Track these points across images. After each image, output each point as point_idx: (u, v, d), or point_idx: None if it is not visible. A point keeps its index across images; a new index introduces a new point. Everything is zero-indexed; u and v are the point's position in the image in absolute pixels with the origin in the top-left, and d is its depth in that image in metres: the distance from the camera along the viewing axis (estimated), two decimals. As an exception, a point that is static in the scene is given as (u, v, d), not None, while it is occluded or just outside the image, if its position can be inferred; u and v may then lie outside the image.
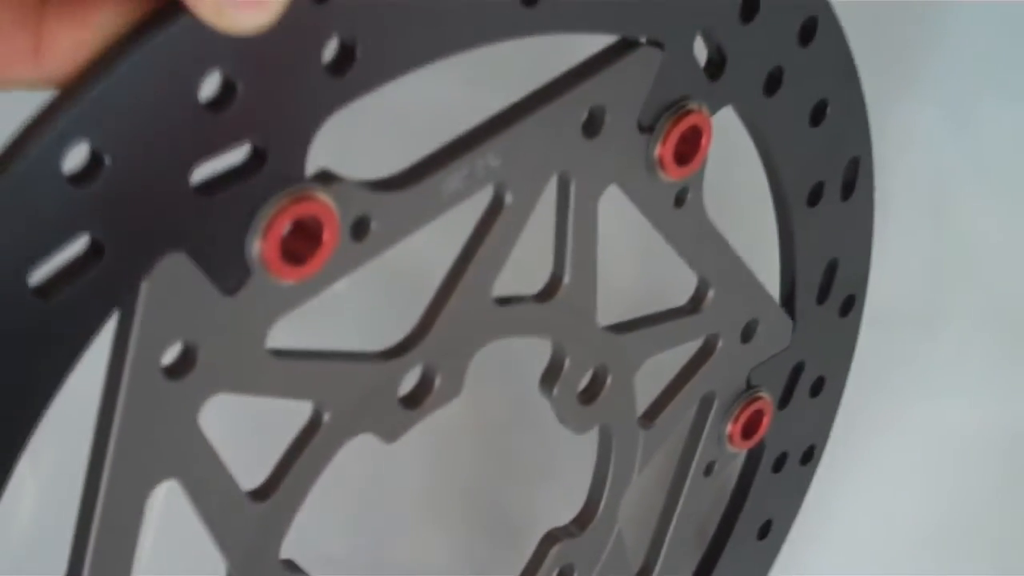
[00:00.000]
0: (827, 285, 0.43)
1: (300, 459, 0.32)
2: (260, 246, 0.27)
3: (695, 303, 0.39)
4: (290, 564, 0.33)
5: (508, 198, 0.32)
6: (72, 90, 0.24)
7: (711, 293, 0.39)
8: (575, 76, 0.32)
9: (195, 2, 0.24)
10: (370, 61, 0.28)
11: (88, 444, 0.28)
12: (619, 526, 0.41)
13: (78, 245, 0.25)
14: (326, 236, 0.28)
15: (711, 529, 0.47)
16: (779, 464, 0.46)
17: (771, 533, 0.48)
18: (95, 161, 0.25)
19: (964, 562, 0.55)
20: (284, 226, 0.28)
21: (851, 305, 0.44)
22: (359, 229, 0.29)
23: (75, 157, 0.25)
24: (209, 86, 0.26)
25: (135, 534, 0.29)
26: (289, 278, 0.28)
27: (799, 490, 0.48)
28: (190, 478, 0.29)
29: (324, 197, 0.28)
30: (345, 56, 0.27)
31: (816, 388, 0.45)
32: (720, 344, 0.40)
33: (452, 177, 0.31)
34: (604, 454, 0.40)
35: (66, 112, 0.24)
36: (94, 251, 0.26)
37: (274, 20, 0.24)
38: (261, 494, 0.31)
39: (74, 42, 0.24)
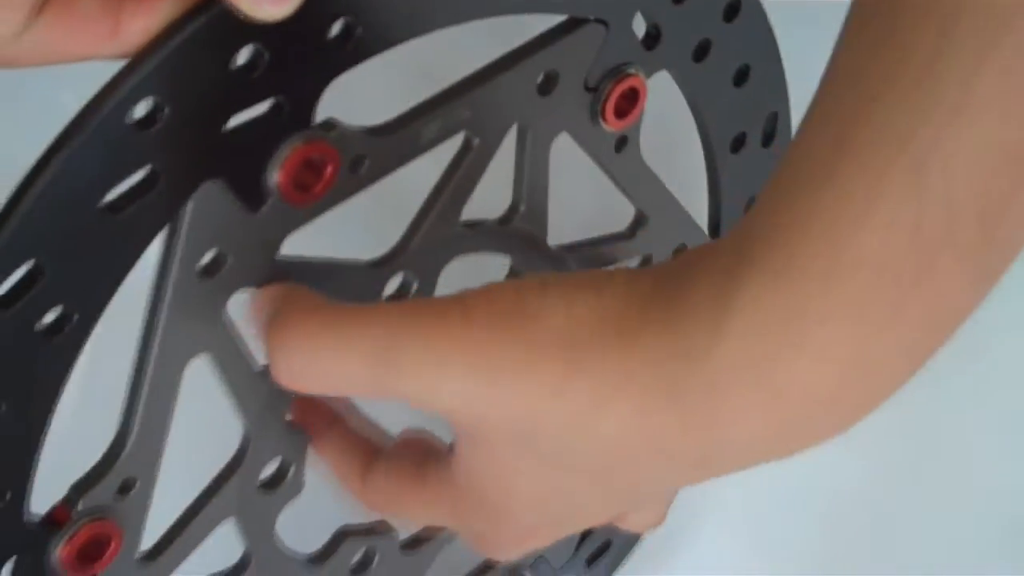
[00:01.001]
0: None
1: None
2: (277, 177, 0.36)
3: (632, 230, 0.47)
4: (295, 424, 0.42)
5: (475, 143, 0.40)
6: (140, 60, 0.32)
7: (647, 223, 0.47)
8: (533, 46, 0.40)
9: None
10: (367, 36, 0.36)
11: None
12: None
13: (140, 174, 0.34)
14: (328, 170, 0.37)
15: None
16: None
17: None
18: (155, 112, 0.33)
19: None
20: (297, 162, 0.36)
21: None
22: (355, 165, 0.37)
23: (141, 109, 0.33)
24: (243, 56, 0.34)
25: (174, 399, 0.37)
26: (299, 202, 0.36)
27: None
28: (218, 354, 0.38)
29: (328, 140, 0.36)
30: (347, 32, 0.35)
31: None
32: (654, 263, 0.49)
33: (430, 126, 0.39)
34: None
35: (137, 75, 0.32)
36: (151, 180, 0.34)
37: (294, 11, 0.32)
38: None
39: (143, 26, 0.32)
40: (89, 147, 0.32)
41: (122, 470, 0.37)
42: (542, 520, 0.35)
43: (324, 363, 0.34)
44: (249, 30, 0.33)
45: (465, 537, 0.38)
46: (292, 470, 0.42)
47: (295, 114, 0.35)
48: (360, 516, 0.46)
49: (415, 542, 0.48)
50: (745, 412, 0.30)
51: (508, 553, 0.37)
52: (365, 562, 0.46)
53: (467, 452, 0.35)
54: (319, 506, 0.44)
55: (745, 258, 0.30)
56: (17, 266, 0.32)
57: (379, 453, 0.39)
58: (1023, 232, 0.29)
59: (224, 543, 0.42)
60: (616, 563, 0.57)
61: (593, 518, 0.36)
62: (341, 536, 0.45)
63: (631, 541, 0.57)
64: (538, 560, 0.53)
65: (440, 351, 0.32)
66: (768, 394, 0.30)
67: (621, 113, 0.43)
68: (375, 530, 0.46)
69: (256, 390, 0.39)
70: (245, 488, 0.41)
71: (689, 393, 0.30)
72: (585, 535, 0.54)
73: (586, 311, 0.31)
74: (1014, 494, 0.61)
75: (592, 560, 0.55)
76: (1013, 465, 0.61)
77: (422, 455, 0.37)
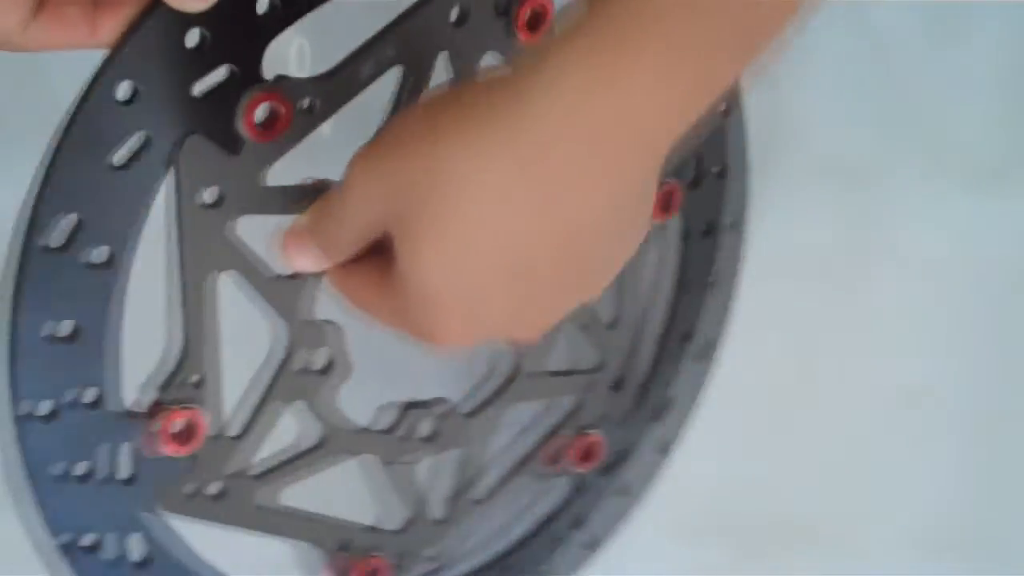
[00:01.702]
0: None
1: None
2: (243, 124, 0.47)
3: None
4: (328, 322, 0.53)
5: (410, 74, 0.51)
6: (114, 53, 0.44)
7: None
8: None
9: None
10: (288, 8, 0.47)
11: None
12: None
13: (136, 139, 0.46)
14: (283, 113, 0.48)
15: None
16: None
17: None
18: (134, 90, 0.45)
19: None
20: (255, 111, 0.47)
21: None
22: (309, 108, 0.49)
23: (121, 90, 0.45)
24: (190, 38, 0.46)
25: (215, 306, 0.49)
26: (267, 140, 0.48)
27: None
28: (240, 269, 0.50)
29: (280, 90, 0.48)
30: (272, 6, 0.47)
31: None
32: None
33: (366, 65, 0.50)
34: None
35: (112, 65, 0.44)
36: (146, 142, 0.46)
37: (209, 6, 0.44)
38: (294, 275, 0.51)
39: (111, 26, 0.44)
40: (87, 121, 0.45)
41: (192, 367, 0.50)
42: (454, 299, 0.45)
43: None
44: (192, 18, 0.45)
45: (415, 336, 0.48)
46: (336, 354, 0.53)
47: (246, 74, 0.47)
48: (424, 393, 0.57)
49: (476, 409, 0.58)
50: (568, 145, 0.40)
51: (448, 336, 0.47)
52: (433, 433, 0.57)
53: (397, 255, 0.44)
54: (386, 388, 0.56)
55: (571, 33, 0.41)
56: (60, 218, 0.45)
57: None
58: None
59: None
60: (681, 420, 0.66)
61: (493, 300, 0.45)
62: (406, 408, 0.56)
63: (692, 397, 0.66)
64: (601, 418, 0.62)
65: (357, 176, 0.45)
66: (586, 128, 0.40)
67: (533, 28, 0.53)
68: (437, 402, 0.57)
69: (281, 291, 0.51)
70: (301, 375, 0.53)
71: (522, 134, 0.41)
72: (645, 392, 0.64)
73: (470, 101, 0.43)
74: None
75: (656, 416, 0.65)
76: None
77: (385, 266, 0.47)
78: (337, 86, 0.49)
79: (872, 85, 0.72)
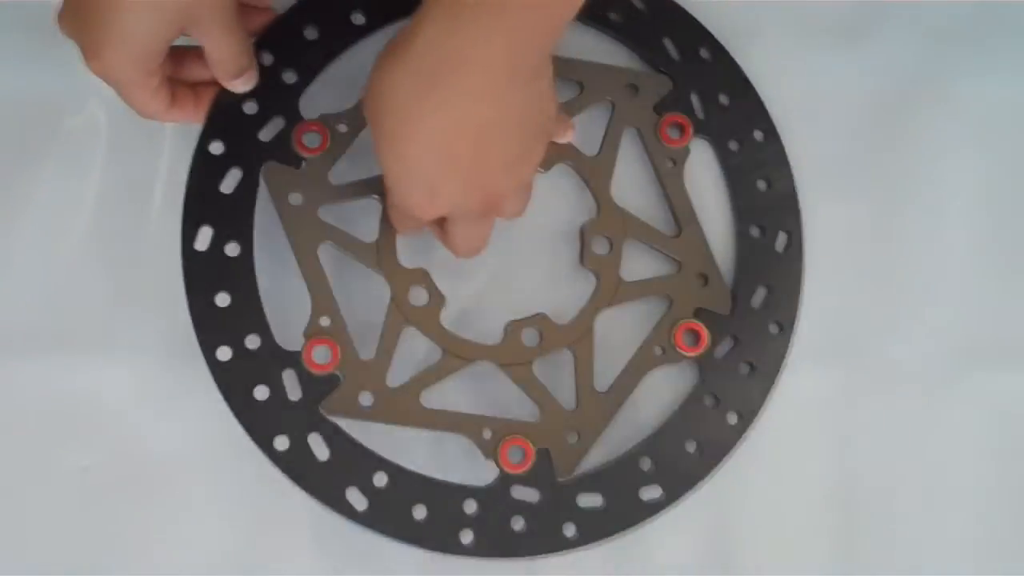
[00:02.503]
0: None
1: None
2: (297, 147, 0.75)
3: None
4: (416, 269, 0.76)
5: None
6: (206, 123, 0.74)
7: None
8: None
9: (226, 84, 0.74)
10: (306, 77, 0.76)
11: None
12: None
13: (236, 175, 0.75)
14: (324, 137, 0.75)
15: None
16: None
17: None
18: (224, 145, 0.74)
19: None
20: (302, 137, 0.75)
21: None
22: (343, 132, 0.75)
23: (215, 147, 0.74)
24: (250, 107, 0.75)
25: (322, 268, 0.75)
26: (315, 154, 0.75)
27: None
28: (335, 240, 0.75)
29: (317, 121, 0.75)
30: (299, 77, 0.75)
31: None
32: None
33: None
34: None
35: (207, 130, 0.74)
36: (245, 175, 0.75)
37: (254, 85, 0.74)
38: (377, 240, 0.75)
39: (205, 104, 0.75)
40: (200, 171, 0.74)
41: (320, 313, 0.74)
42: (410, 183, 0.66)
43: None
44: (248, 95, 0.74)
45: (408, 213, 0.69)
46: (428, 288, 0.75)
47: (289, 118, 0.75)
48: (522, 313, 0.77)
49: (572, 319, 0.76)
50: (448, 66, 0.62)
51: (420, 208, 0.68)
52: (537, 340, 0.76)
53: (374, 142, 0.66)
54: (493, 313, 0.77)
55: None
56: (199, 230, 0.74)
57: None
58: None
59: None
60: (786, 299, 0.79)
61: (437, 179, 0.66)
62: (510, 326, 0.76)
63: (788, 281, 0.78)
64: (697, 310, 0.77)
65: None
66: (455, 54, 0.62)
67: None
68: (536, 317, 0.76)
69: (369, 249, 0.75)
70: (405, 308, 0.75)
71: (412, 62, 0.63)
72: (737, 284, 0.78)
73: (391, 44, 0.64)
74: None
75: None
76: None
77: None
78: (359, 113, 0.75)
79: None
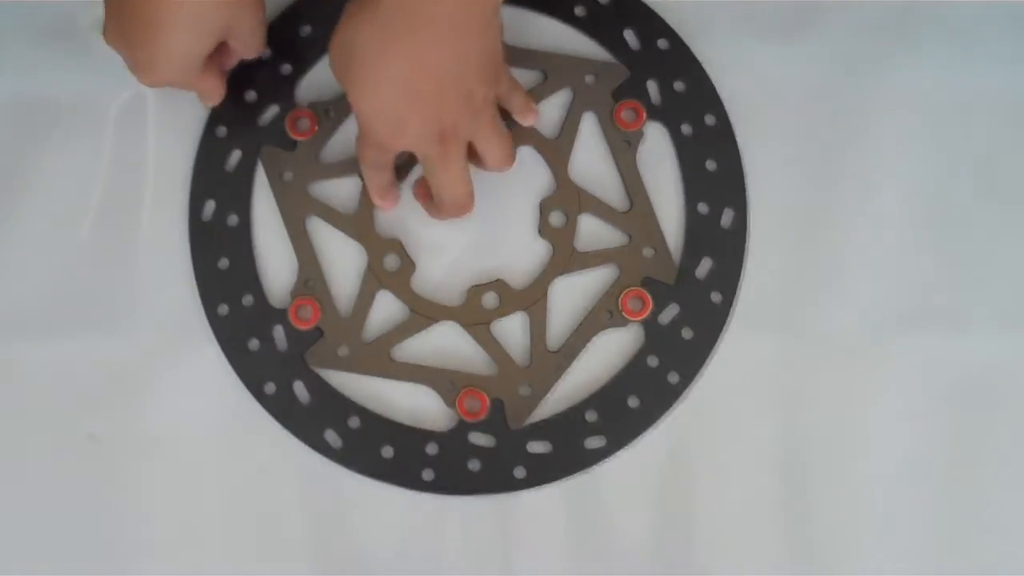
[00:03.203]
0: None
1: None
2: (291, 132, 0.86)
3: None
4: (391, 238, 0.86)
5: None
6: (213, 111, 0.86)
7: None
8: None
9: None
10: (300, 68, 0.86)
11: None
12: None
13: (237, 155, 0.86)
14: (311, 119, 0.85)
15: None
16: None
17: None
18: (228, 130, 0.86)
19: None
20: (296, 123, 0.86)
21: None
22: (329, 115, 0.86)
23: (221, 130, 0.86)
24: (249, 96, 0.86)
25: (308, 237, 0.85)
26: (306, 138, 0.85)
27: None
28: (320, 213, 0.85)
29: (306, 107, 0.86)
30: (294, 69, 0.86)
31: None
32: None
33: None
34: None
35: (213, 117, 0.86)
36: (242, 154, 0.86)
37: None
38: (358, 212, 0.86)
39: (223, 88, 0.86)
40: (208, 152, 0.86)
41: (305, 275, 0.85)
42: (377, 119, 0.77)
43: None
44: (249, 85, 0.86)
45: (382, 147, 0.80)
46: (400, 256, 0.85)
47: (284, 106, 0.86)
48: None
49: (528, 284, 0.85)
50: (405, 17, 0.73)
51: (390, 142, 0.79)
52: (495, 302, 0.85)
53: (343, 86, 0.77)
54: (457, 278, 0.86)
55: None
56: (204, 202, 0.85)
57: None
58: None
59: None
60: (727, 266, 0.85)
61: (402, 116, 0.76)
62: (472, 290, 0.85)
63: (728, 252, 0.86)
64: (645, 279, 0.85)
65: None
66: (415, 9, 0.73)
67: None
68: (495, 282, 0.85)
69: (351, 220, 0.86)
70: (380, 273, 0.85)
71: (378, 12, 0.73)
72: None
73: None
74: None
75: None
76: None
77: None
78: (345, 101, 0.86)
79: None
